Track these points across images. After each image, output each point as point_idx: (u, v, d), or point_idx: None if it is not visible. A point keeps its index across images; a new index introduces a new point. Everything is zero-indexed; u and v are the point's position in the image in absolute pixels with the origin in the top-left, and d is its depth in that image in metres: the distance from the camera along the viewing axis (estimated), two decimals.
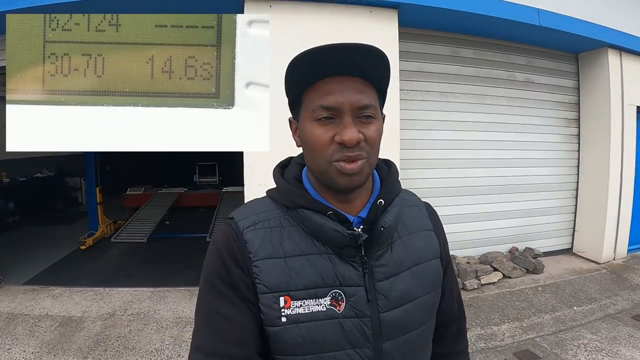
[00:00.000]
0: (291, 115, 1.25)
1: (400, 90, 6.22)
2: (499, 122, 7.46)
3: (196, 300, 1.18)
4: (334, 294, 1.13)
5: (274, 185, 1.29)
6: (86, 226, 10.50)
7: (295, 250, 1.15)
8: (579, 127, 8.13)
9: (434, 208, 1.46)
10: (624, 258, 8.04)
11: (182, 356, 4.78)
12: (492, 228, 7.54)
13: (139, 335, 5.19)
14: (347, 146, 1.08)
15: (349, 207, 1.21)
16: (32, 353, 4.82)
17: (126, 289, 6.55)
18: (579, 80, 8.07)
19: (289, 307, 1.10)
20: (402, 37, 5.96)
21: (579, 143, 8.16)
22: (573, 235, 8.38)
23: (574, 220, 8.35)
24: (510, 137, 7.58)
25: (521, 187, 7.80)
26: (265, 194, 1.30)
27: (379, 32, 5.60)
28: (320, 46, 1.04)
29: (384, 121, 1.23)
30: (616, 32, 7.36)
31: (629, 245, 8.18)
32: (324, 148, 1.10)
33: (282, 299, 1.11)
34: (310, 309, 1.11)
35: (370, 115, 1.11)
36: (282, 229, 1.18)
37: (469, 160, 7.32)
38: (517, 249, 7.67)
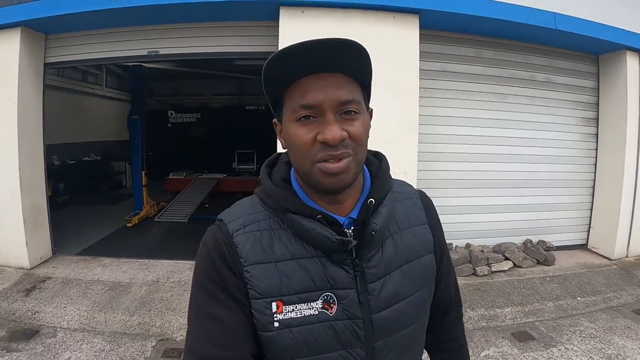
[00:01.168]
0: (275, 118, 1.22)
1: (423, 88, 6.67)
2: (519, 119, 7.76)
3: (188, 303, 1.19)
4: (325, 297, 1.13)
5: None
6: (130, 207, 11.28)
7: (285, 254, 1.13)
8: (597, 127, 8.35)
9: (430, 197, 1.44)
10: (636, 256, 8.16)
11: None
12: (508, 220, 7.82)
13: (179, 299, 5.84)
14: (330, 145, 1.05)
15: (339, 208, 1.19)
16: (85, 311, 5.54)
17: (168, 261, 7.21)
18: (598, 81, 8.28)
19: (281, 312, 1.10)
20: (424, 38, 6.41)
21: (597, 142, 8.38)
22: (588, 232, 8.56)
23: (590, 217, 8.54)
24: (529, 134, 7.86)
25: (538, 183, 8.07)
26: (254, 193, 1.28)
27: (402, 35, 6.12)
28: (293, 44, 1.02)
29: (371, 116, 1.21)
30: (634, 35, 7.54)
31: None
32: (307, 149, 1.07)
33: (274, 305, 1.10)
34: (302, 313, 1.11)
35: (353, 111, 1.08)
36: (272, 232, 1.16)
37: (488, 155, 7.66)
38: (531, 241, 7.95)
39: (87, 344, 4.87)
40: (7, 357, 4.59)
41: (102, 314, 5.49)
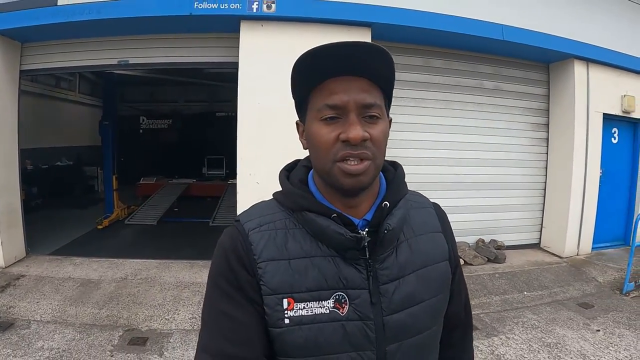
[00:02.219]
0: (298, 118, 1.25)
1: None
2: (469, 125, 8.17)
3: (203, 301, 1.20)
4: (337, 297, 1.13)
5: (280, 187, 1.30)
6: (102, 211, 11.55)
7: (299, 253, 1.15)
8: (548, 132, 8.79)
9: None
10: (587, 254, 8.55)
11: (179, 310, 5.78)
12: (461, 220, 8.10)
13: (146, 294, 6.18)
14: (351, 144, 1.07)
15: (354, 211, 1.20)
16: (58, 305, 5.88)
17: (137, 260, 7.53)
18: (549, 88, 8.72)
19: (292, 309, 1.11)
20: None
21: (547, 146, 8.80)
22: (541, 231, 8.99)
23: (542, 217, 8.97)
24: (480, 139, 8.27)
25: (491, 185, 8.45)
26: (272, 196, 1.30)
27: None
28: (324, 44, 1.05)
29: (390, 125, 1.23)
30: (582, 44, 7.90)
31: (594, 243, 8.76)
32: (329, 147, 1.10)
33: (285, 301, 1.11)
34: (313, 311, 1.11)
35: (375, 115, 1.11)
36: (287, 231, 1.18)
37: (439, 159, 8.05)
38: (483, 241, 8.31)
39: (59, 334, 5.18)
40: None
41: (73, 307, 5.81)
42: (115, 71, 10.90)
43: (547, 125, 8.79)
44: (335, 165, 1.11)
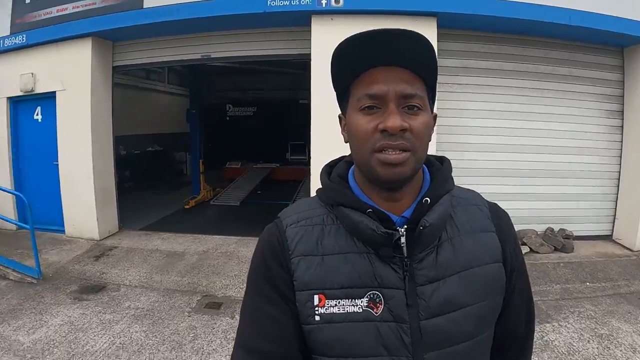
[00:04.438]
0: (340, 112, 1.22)
1: (444, 83, 7.28)
2: (541, 112, 7.95)
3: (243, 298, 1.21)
4: (371, 295, 1.08)
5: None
6: (189, 192, 12.42)
7: (334, 249, 1.11)
8: (622, 119, 8.35)
9: (501, 208, 1.31)
10: None
11: None
12: (531, 208, 8.00)
13: (224, 266, 6.79)
14: (389, 134, 1.03)
15: (395, 206, 1.14)
16: (145, 273, 6.60)
17: (218, 236, 8.18)
18: (623, 74, 8.29)
19: (323, 306, 1.08)
20: (443, 37, 6.97)
21: (622, 134, 8.36)
22: (613, 223, 8.47)
23: (615, 208, 8.45)
24: (552, 126, 8.01)
25: (562, 173, 8.17)
26: (315, 193, 1.27)
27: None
28: (364, 31, 1.05)
29: (435, 120, 1.18)
30: None
31: None
32: (368, 137, 1.06)
33: (316, 297, 1.08)
34: (346, 309, 1.07)
35: (416, 107, 1.06)
36: (324, 227, 1.15)
37: (510, 145, 7.90)
38: (552, 230, 8.02)
39: (144, 297, 5.85)
40: (78, 305, 5.65)
41: (159, 275, 6.51)
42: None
43: (622, 112, 8.36)
44: (374, 156, 1.05)
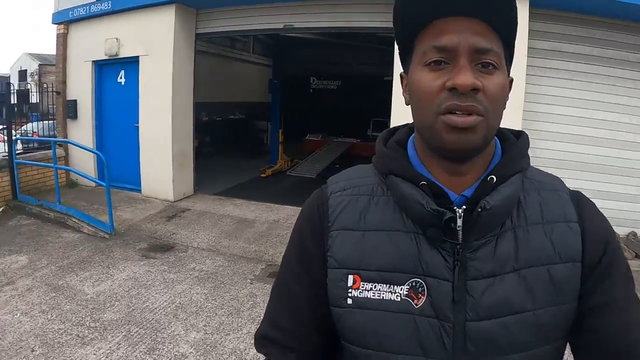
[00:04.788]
0: (402, 70, 1.03)
1: (532, 66, 6.67)
2: (633, 104, 7.20)
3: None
4: (413, 284, 0.92)
5: None
6: (267, 161, 12.39)
7: (378, 224, 0.96)
8: None
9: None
10: None
11: None
12: (613, 209, 7.05)
13: None
14: (459, 93, 0.84)
15: (457, 182, 0.96)
16: (214, 236, 6.56)
17: (291, 206, 8.04)
18: None
19: (357, 289, 0.95)
20: (535, 17, 6.45)
21: None
22: None
23: None
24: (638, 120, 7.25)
25: None
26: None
27: None
28: None
29: (511, 85, 0.97)
30: None
31: None
32: (432, 97, 0.87)
33: (350, 278, 0.95)
34: (382, 296, 0.93)
35: (491, 64, 0.88)
36: (372, 198, 0.99)
37: (595, 138, 7.20)
38: (635, 234, 7.31)
39: (210, 260, 5.82)
40: (144, 262, 5.72)
41: (227, 240, 6.46)
42: (283, 34, 11.49)
43: None
44: (439, 119, 0.86)
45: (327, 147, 14.38)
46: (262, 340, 1.08)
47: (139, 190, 8.54)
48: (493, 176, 0.92)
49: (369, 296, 0.93)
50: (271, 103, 13.38)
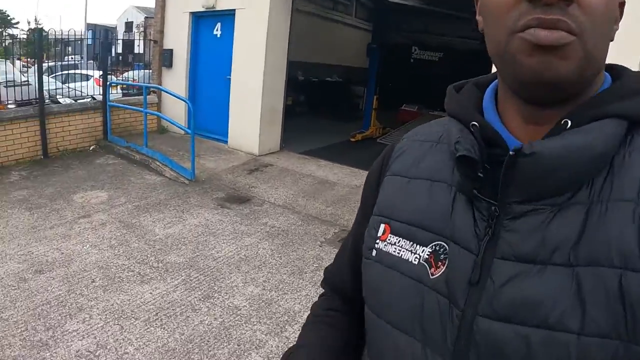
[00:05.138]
0: None
1: None
2: None
3: None
4: (436, 247, 0.73)
5: None
6: (359, 127, 12.09)
7: (425, 172, 0.80)
8: None
9: None
10: None
11: None
12: None
13: None
14: (542, 3, 0.58)
15: (533, 133, 0.69)
16: (292, 194, 6.45)
17: None
18: None
19: (384, 240, 0.80)
20: None
21: None
22: None
23: None
24: None
25: None
26: None
27: None
28: None
29: (622, 8, 0.68)
30: None
31: None
32: (507, 10, 0.62)
33: (382, 227, 0.82)
34: (401, 254, 0.77)
35: None
36: (435, 145, 0.83)
37: None
38: None
39: (283, 217, 5.71)
40: (219, 211, 5.72)
41: (304, 199, 6.33)
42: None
43: None
44: (515, 37, 0.61)
45: (422, 119, 13.95)
46: (324, 276, 1.12)
47: (225, 142, 8.63)
48: (567, 120, 0.64)
49: (390, 251, 0.78)
50: (368, 68, 13.03)
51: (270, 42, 7.99)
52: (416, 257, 0.74)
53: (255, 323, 3.60)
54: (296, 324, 3.61)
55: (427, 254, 0.73)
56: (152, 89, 9.19)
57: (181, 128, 7.90)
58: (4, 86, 7.49)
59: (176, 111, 8.87)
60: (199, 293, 3.91)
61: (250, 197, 6.28)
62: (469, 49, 16.59)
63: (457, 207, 0.72)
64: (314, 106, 13.60)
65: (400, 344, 0.75)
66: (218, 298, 3.86)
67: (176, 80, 9.25)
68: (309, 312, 1.08)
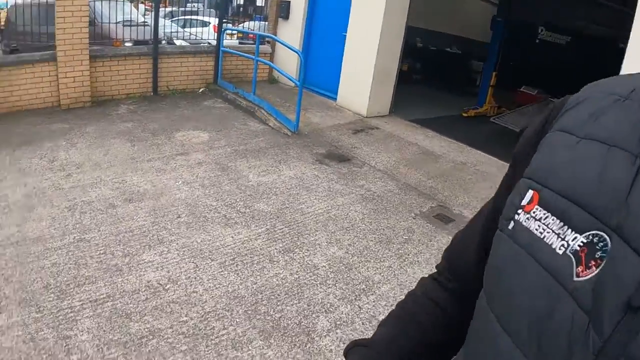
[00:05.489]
0: None
1: None
2: None
3: None
4: (594, 238, 0.53)
5: None
6: (473, 103, 11.58)
7: (603, 133, 0.60)
8: None
9: None
10: None
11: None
12: None
13: (475, 184, 6.04)
14: None
15: None
16: (394, 160, 6.24)
17: (482, 152, 7.37)
18: None
19: (528, 212, 0.63)
20: None
21: None
22: None
23: None
24: None
25: None
26: None
27: None
28: None
29: None
30: None
31: None
32: None
33: (529, 193, 0.64)
34: (544, 235, 0.59)
35: None
36: (620, 101, 0.62)
37: None
38: None
39: (381, 182, 5.52)
40: (316, 166, 5.64)
41: (406, 168, 6.09)
42: None
43: None
44: None
45: (541, 104, 13.23)
46: (444, 252, 1.01)
47: (334, 99, 8.48)
48: None
49: (531, 227, 0.60)
50: (490, 43, 12.41)
51: (389, 7, 7.72)
52: (563, 245, 0.55)
53: (330, 286, 3.49)
54: (372, 294, 3.46)
55: (579, 245, 0.54)
56: (266, 39, 9.26)
57: (291, 79, 7.83)
58: (123, 25, 7.91)
59: (288, 63, 8.79)
60: (280, 245, 3.85)
61: (351, 157, 6.13)
62: (600, 36, 15.61)
63: (638, 186, 0.51)
64: (430, 75, 13.23)
65: (503, 354, 0.58)
66: (298, 253, 3.78)
67: (291, 32, 9.19)
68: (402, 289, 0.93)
